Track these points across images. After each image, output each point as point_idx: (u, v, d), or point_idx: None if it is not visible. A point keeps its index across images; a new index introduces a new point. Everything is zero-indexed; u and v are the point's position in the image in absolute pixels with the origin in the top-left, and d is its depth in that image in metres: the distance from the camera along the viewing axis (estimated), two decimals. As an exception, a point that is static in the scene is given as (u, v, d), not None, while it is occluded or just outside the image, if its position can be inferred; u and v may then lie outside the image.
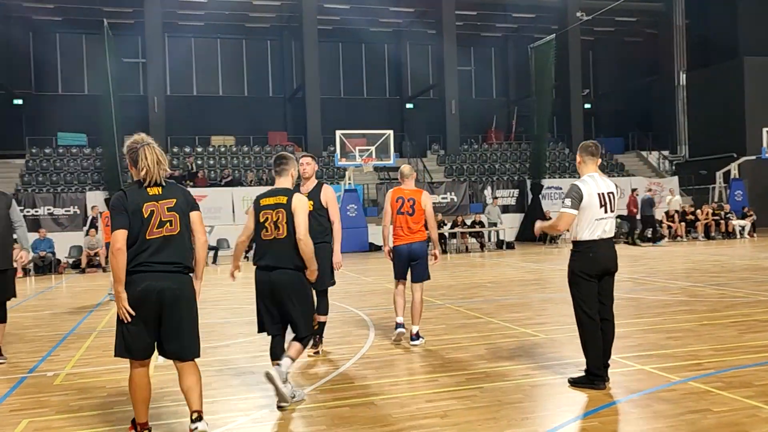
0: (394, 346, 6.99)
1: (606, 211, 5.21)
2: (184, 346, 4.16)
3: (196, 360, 4.26)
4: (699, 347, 6.43)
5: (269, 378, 4.78)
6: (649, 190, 24.02)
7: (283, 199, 5.00)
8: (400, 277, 7.26)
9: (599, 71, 39.05)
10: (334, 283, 6.74)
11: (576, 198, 5.15)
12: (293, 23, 31.85)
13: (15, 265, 7.07)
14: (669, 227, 23.39)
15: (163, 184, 4.19)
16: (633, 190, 22.81)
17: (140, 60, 31.11)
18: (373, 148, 22.38)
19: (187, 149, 28.40)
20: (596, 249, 5.18)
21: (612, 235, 5.30)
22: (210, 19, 31.87)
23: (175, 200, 4.18)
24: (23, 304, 11.95)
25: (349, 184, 23.40)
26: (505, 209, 25.99)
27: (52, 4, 29.09)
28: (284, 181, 5.21)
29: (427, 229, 7.22)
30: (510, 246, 22.52)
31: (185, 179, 25.16)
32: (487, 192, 26.99)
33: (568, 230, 5.36)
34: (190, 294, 4.22)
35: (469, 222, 23.09)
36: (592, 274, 5.19)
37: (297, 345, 5.01)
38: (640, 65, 36.43)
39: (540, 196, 26.14)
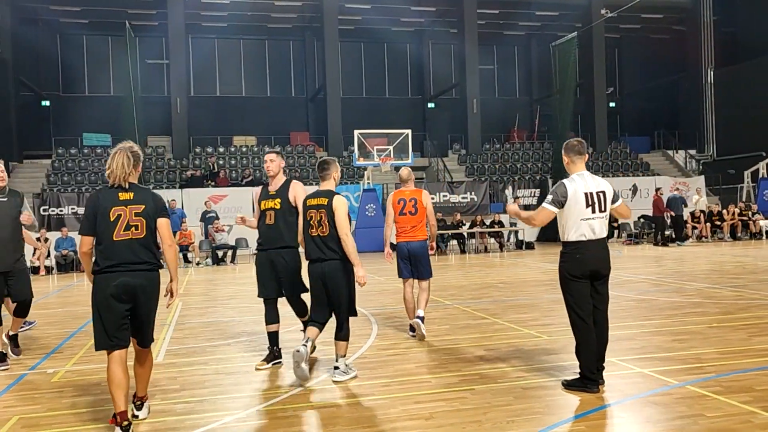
0: (392, 347, 6.94)
1: (594, 211, 5.08)
2: (145, 337, 4.61)
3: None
4: (703, 350, 6.26)
5: (296, 357, 5.45)
6: (677, 189, 23.61)
7: (325, 201, 5.61)
8: (404, 275, 7.57)
9: (624, 69, 38.47)
10: (306, 290, 6.04)
11: (558, 196, 5.06)
12: (315, 23, 31.97)
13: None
14: (694, 228, 22.93)
15: (136, 188, 4.48)
16: (657, 190, 22.41)
17: (164, 61, 31.48)
18: (390, 148, 22.34)
19: (209, 149, 28.67)
20: (584, 250, 5.05)
21: (603, 236, 5.16)
22: (232, 20, 32.13)
23: (144, 206, 4.45)
24: (42, 301, 12.14)
25: (368, 183, 23.40)
26: (526, 209, 25.66)
27: (79, 7, 29.61)
28: (327, 184, 5.82)
29: (428, 227, 7.62)
30: (530, 246, 22.29)
31: (207, 179, 25.40)
32: (508, 192, 26.74)
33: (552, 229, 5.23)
34: (155, 288, 4.53)
35: (488, 222, 22.91)
36: (581, 276, 5.07)
37: (342, 344, 5.72)
38: (667, 63, 35.80)
39: (562, 196, 25.80)
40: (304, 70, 35.01)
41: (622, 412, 4.59)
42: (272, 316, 6.26)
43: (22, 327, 7.85)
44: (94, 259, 4.47)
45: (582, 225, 5.04)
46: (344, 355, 5.70)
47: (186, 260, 18.94)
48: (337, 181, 5.84)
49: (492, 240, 22.85)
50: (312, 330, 5.69)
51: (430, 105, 35.84)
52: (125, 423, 4.28)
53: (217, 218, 20.70)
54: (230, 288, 13.47)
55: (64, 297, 13.11)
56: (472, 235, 22.51)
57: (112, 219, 4.36)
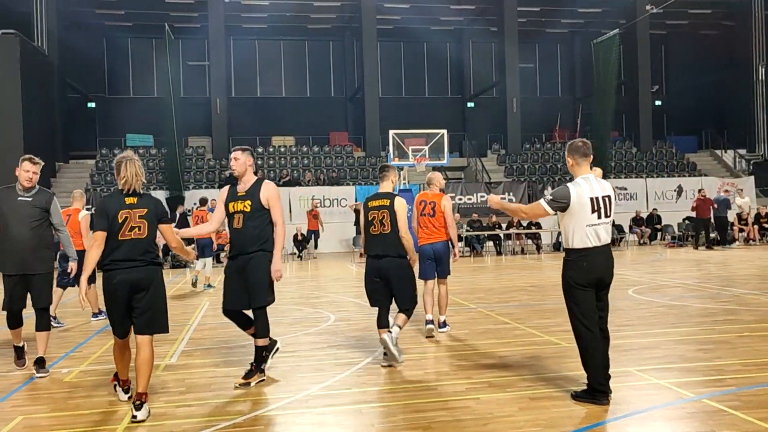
0: (406, 352, 6.82)
1: (600, 217, 4.86)
2: (150, 324, 4.91)
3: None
4: (728, 361, 5.96)
5: (384, 343, 5.99)
6: (725, 190, 22.83)
7: (386, 202, 6.14)
8: (425, 277, 7.74)
9: (671, 66, 37.35)
10: (272, 300, 5.72)
11: (559, 199, 4.85)
12: (354, 23, 32.01)
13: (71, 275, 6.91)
14: (741, 230, 22.13)
15: (140, 194, 5.00)
16: (699, 191, 21.71)
17: (205, 63, 31.98)
18: (426, 148, 22.18)
19: (249, 150, 28.95)
20: (590, 257, 4.85)
21: (608, 242, 4.96)
22: (272, 21, 32.41)
23: (146, 210, 4.98)
24: (75, 300, 12.42)
25: (404, 184, 23.27)
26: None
27: (123, 10, 30.32)
28: (386, 186, 6.32)
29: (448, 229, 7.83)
30: (568, 248, 21.81)
31: (244, 179, 25.64)
32: (547, 192, 26.26)
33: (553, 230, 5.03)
34: (157, 281, 4.99)
35: (525, 223, 22.54)
36: (586, 284, 4.87)
37: (403, 316, 6.18)
38: (715, 59, 34.63)
39: (602, 197, 25.22)
40: (343, 71, 35.10)
41: (626, 427, 4.39)
42: (260, 330, 5.72)
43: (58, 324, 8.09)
44: (102, 254, 4.96)
45: (588, 231, 4.84)
46: (401, 327, 6.19)
47: (218, 260, 19.18)
48: (394, 183, 6.38)
49: (529, 241, 22.49)
50: (389, 322, 6.24)
51: (470, 104, 35.50)
52: (126, 386, 5.17)
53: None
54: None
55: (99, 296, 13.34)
56: (508, 237, 22.20)
57: (119, 221, 4.90)
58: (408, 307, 6.19)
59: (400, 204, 6.13)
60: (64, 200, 23.51)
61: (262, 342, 5.70)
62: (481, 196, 25.50)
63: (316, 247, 22.78)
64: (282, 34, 33.92)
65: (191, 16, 30.97)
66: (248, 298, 5.62)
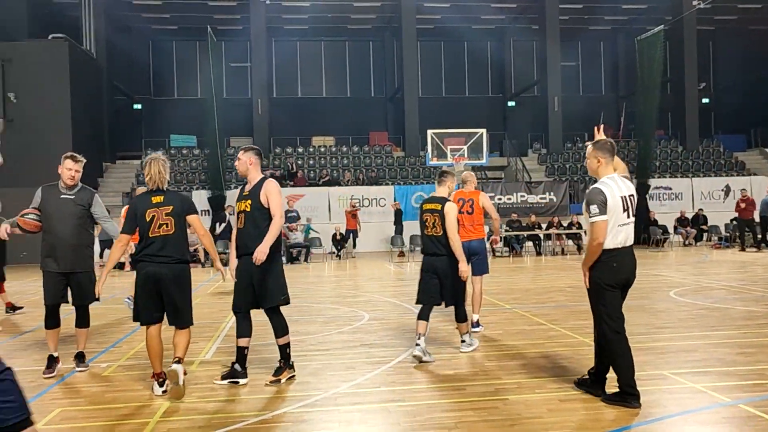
0: (435, 352, 6.80)
1: (629, 216, 4.82)
2: (179, 318, 5.38)
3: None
4: (769, 366, 5.78)
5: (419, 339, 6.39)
6: (774, 191, 22.11)
7: (439, 206, 6.53)
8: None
9: (719, 63, 36.34)
10: (284, 301, 5.65)
11: (602, 203, 4.73)
12: (394, 23, 32.04)
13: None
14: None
15: (165, 192, 5.42)
16: (742, 190, 21.07)
17: (247, 64, 32.44)
18: (465, 147, 22.07)
19: (289, 150, 29.29)
20: (620, 258, 4.80)
21: (632, 242, 4.90)
22: (313, 22, 32.67)
23: (172, 207, 5.37)
24: (120, 296, 12.76)
25: (443, 183, 23.18)
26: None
27: (168, 14, 31.00)
28: (441, 191, 6.73)
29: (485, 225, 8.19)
30: (609, 249, 21.41)
31: (285, 179, 25.97)
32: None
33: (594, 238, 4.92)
34: (183, 278, 5.39)
35: (565, 223, 22.22)
36: (615, 285, 4.81)
37: (462, 325, 6.73)
38: (765, 55, 33.53)
39: (647, 197, 24.70)
40: (383, 70, 35.18)
41: (657, 431, 4.29)
42: (243, 329, 5.70)
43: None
44: (134, 249, 5.63)
45: (620, 231, 4.79)
46: (467, 332, 6.76)
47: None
48: (450, 189, 6.77)
49: (570, 242, 22.16)
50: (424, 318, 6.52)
51: (510, 103, 35.17)
52: (161, 380, 5.34)
53: (298, 218, 21.11)
54: (296, 288, 13.67)
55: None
56: (548, 237, 21.92)
57: (147, 219, 5.33)
58: (451, 303, 6.58)
59: (451, 208, 6.54)
60: (111, 199, 24.23)
61: (282, 341, 5.70)
62: (521, 196, 25.25)
63: (354, 246, 22.89)
64: (322, 35, 34.17)
65: (233, 18, 31.44)
66: (256, 298, 5.61)
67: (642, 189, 24.72)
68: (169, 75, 33.79)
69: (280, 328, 5.69)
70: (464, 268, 6.45)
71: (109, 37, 28.35)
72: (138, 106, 32.05)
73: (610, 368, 4.89)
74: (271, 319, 5.67)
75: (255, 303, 5.64)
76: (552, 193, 25.56)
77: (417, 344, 6.32)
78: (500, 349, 6.90)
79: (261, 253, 5.35)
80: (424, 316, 6.49)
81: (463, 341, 6.79)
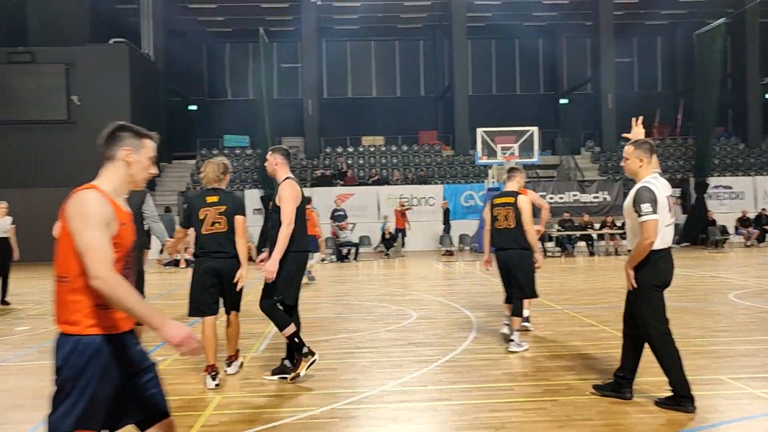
0: (485, 352, 6.77)
1: (671, 216, 4.79)
2: (234, 303, 5.83)
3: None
4: (834, 373, 5.55)
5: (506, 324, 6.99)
6: None
7: (511, 200, 6.83)
8: None
9: (785, 57, 34.90)
10: (285, 301, 5.63)
11: (654, 202, 4.64)
12: (444, 22, 31.92)
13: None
14: None
15: (220, 191, 5.71)
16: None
17: (298, 65, 32.84)
18: (515, 146, 21.83)
19: (339, 149, 29.53)
20: (667, 258, 4.76)
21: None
22: (363, 22, 32.84)
23: (225, 207, 5.66)
24: (175, 292, 13.12)
25: (493, 182, 23.00)
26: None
27: (223, 16, 31.64)
28: (511, 186, 7.02)
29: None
30: (665, 249, 20.86)
31: (335, 178, 26.19)
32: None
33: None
34: (233, 272, 5.65)
35: (619, 223, 21.73)
36: (662, 285, 4.77)
37: (515, 319, 6.87)
38: (835, 48, 32.04)
39: (705, 196, 23.94)
40: (433, 69, 35.10)
41: (713, 436, 4.18)
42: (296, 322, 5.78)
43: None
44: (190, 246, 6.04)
45: (666, 231, 4.75)
46: (517, 330, 6.83)
47: (340, 257, 20.24)
48: (520, 184, 7.02)
49: (624, 242, 21.65)
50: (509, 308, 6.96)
51: (563, 101, 34.60)
52: (213, 373, 5.53)
53: (346, 217, 21.27)
54: (346, 285, 13.79)
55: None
56: (601, 237, 21.49)
57: (200, 217, 5.66)
58: (519, 296, 6.82)
59: (525, 202, 6.79)
60: (168, 198, 24.86)
61: (284, 333, 5.60)
62: (573, 195, 24.83)
63: (403, 245, 22.92)
64: (372, 35, 34.30)
65: (285, 19, 31.87)
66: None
67: (700, 188, 23.99)
68: (222, 76, 34.50)
69: (278, 325, 5.62)
70: (539, 257, 6.81)
71: (166, 40, 29.14)
72: (193, 108, 32.83)
73: (637, 370, 4.85)
74: (269, 317, 5.70)
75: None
76: (605, 192, 25.05)
77: (510, 340, 6.75)
78: (550, 349, 6.82)
79: (269, 272, 5.41)
80: (516, 312, 6.85)
81: (511, 340, 6.77)
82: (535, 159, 22.52)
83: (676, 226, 8.24)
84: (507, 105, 33.57)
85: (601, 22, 29.77)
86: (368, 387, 5.50)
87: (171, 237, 6.59)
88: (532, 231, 6.73)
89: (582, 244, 21.47)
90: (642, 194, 4.68)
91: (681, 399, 4.61)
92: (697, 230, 23.14)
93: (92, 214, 2.54)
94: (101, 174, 2.77)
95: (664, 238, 4.73)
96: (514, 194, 6.87)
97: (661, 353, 4.68)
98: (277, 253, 5.41)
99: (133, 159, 2.78)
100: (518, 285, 6.79)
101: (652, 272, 4.73)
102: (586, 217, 21.76)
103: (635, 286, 4.79)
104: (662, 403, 4.72)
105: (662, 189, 4.76)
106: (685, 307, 9.55)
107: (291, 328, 5.58)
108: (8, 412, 5.05)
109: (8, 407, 5.19)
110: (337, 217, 21.11)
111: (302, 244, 5.66)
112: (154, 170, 2.94)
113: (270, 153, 5.83)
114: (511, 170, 7.15)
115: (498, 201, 6.92)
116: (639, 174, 4.84)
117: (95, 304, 2.56)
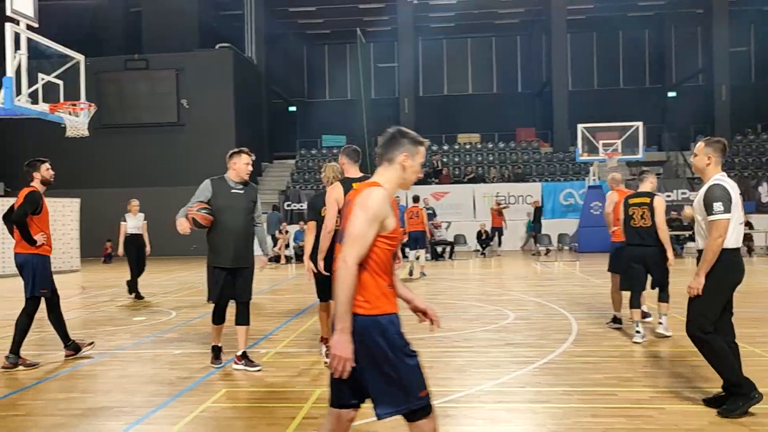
0: (586, 354, 6.57)
1: (743, 215, 4.68)
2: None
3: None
4: None
5: (636, 324, 7.15)
6: None
7: (647, 200, 7.24)
8: (615, 270, 8.15)
9: None
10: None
11: (727, 200, 4.53)
12: (542, 16, 31.22)
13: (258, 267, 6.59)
14: None
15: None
16: None
17: (394, 64, 33.09)
18: (618, 142, 21.04)
19: (434, 147, 29.51)
20: (739, 256, 4.66)
21: None
22: (459, 20, 32.65)
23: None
24: (275, 288, 13.58)
25: (594, 180, 22.28)
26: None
27: (322, 18, 32.40)
28: (645, 186, 7.42)
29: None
30: (785, 251, 19.51)
31: (430, 177, 26.20)
32: (762, 189, 23.65)
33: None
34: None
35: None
36: (736, 284, 4.67)
37: (664, 304, 7.43)
38: None
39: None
40: (530, 65, 34.40)
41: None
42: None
43: None
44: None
45: (740, 229, 4.65)
46: (665, 314, 7.41)
47: (435, 255, 20.47)
48: (653, 185, 7.42)
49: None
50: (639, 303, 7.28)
51: (671, 94, 32.99)
52: (328, 344, 5.71)
53: (435, 215, 21.24)
54: (440, 285, 13.76)
55: (296, 284, 14.43)
56: (712, 237, 20.29)
57: (321, 215, 6.00)
58: (657, 285, 7.30)
59: (659, 202, 7.20)
60: (269, 196, 25.72)
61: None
62: (682, 193, 23.64)
63: (500, 244, 22.61)
64: (469, 32, 34.05)
65: (381, 19, 32.20)
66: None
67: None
68: (321, 77, 35.31)
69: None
70: (672, 256, 7.14)
71: (268, 44, 30.17)
72: (293, 109, 33.80)
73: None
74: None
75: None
76: (717, 190, 23.61)
77: (637, 331, 7.01)
78: (656, 354, 6.54)
79: (309, 270, 6.14)
80: (635, 304, 7.14)
81: (660, 323, 7.35)
82: (640, 155, 21.63)
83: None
84: (609, 100, 32.43)
85: (714, 9, 28.20)
86: (465, 386, 5.47)
87: (273, 234, 6.99)
88: (665, 230, 7.14)
89: (691, 244, 20.38)
90: (714, 192, 4.59)
91: (739, 397, 4.51)
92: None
93: (372, 208, 2.77)
94: (379, 173, 2.98)
95: (739, 237, 4.65)
96: (650, 195, 7.26)
97: (715, 352, 4.63)
98: (320, 256, 5.86)
99: (409, 164, 2.97)
100: (660, 278, 7.24)
101: (731, 271, 4.66)
102: (688, 210, 20.62)
103: (701, 294, 4.66)
104: (725, 411, 4.54)
105: (735, 187, 4.66)
106: (764, 316, 8.89)
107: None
108: (127, 396, 5.40)
109: (126, 391, 5.55)
110: (428, 215, 21.10)
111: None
112: (421, 174, 3.16)
113: (340, 153, 6.16)
114: (642, 173, 7.55)
115: (633, 201, 7.30)
116: (706, 172, 4.76)
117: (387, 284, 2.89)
